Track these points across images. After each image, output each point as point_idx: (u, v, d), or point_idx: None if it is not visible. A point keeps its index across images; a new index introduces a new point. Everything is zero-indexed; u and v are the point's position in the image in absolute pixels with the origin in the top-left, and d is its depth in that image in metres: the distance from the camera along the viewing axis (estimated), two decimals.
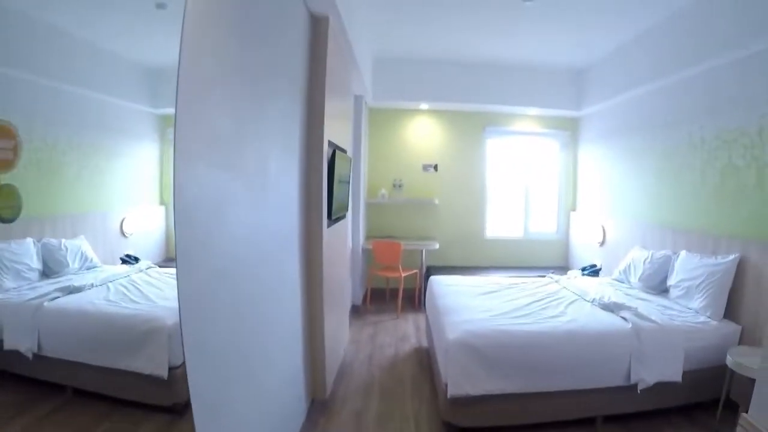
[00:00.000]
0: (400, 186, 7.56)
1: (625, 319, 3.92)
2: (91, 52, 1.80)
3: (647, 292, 4.95)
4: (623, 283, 5.45)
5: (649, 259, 5.15)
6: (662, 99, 5.49)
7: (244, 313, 2.30)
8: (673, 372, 3.69)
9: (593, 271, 6.44)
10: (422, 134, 7.80)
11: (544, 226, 8.29)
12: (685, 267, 4.60)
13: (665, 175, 5.42)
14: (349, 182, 4.72)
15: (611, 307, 4.21)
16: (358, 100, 6.67)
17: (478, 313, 4.00)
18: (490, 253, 8.02)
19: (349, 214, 6.26)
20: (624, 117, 6.40)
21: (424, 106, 7.52)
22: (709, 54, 4.48)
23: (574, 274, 6.49)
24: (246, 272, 2.33)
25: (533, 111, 7.67)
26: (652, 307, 4.36)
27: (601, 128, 7.13)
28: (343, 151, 4.59)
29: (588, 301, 4.51)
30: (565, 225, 8.20)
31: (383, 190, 7.43)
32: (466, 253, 7.97)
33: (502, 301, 4.49)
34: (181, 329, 1.65)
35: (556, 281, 5.43)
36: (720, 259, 4.26)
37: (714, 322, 4.03)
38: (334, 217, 3.98)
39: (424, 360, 5.00)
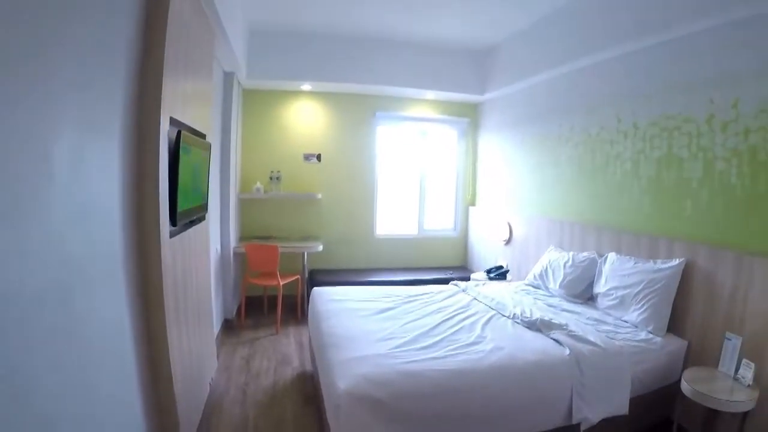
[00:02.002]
0: (277, 178, 6.49)
1: (558, 342, 3.24)
2: None
3: (571, 301, 4.38)
4: (540, 289, 4.84)
5: (570, 263, 4.57)
6: (584, 80, 4.93)
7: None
8: (619, 404, 3.11)
9: (500, 273, 5.82)
10: (304, 120, 6.80)
11: (440, 222, 7.61)
12: (617, 273, 4.05)
13: (586, 167, 4.88)
14: (208, 174, 3.68)
15: (538, 326, 3.54)
16: (228, 77, 5.59)
17: (375, 345, 3.11)
18: (381, 254, 7.22)
19: (216, 211, 5.24)
20: (536, 101, 5.80)
21: (306, 87, 6.51)
22: (643, 31, 3.91)
23: (480, 276, 5.86)
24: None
25: (430, 95, 6.91)
26: (582, 322, 3.77)
27: (507, 114, 6.52)
28: (201, 135, 3.57)
29: (508, 317, 3.82)
30: (463, 221, 7.57)
31: (258, 184, 6.35)
32: (354, 253, 7.11)
33: (404, 321, 3.65)
34: None
35: (464, 290, 4.70)
36: (661, 265, 3.72)
37: (658, 339, 3.49)
38: (183, 222, 2.95)
39: (309, 390, 4.08)
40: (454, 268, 7.30)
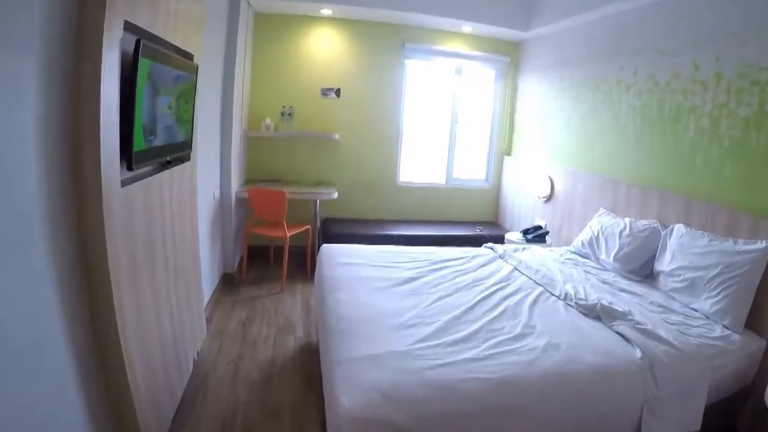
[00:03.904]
0: (290, 115, 5.69)
1: (624, 337, 2.56)
2: None
3: (628, 278, 3.66)
4: (588, 259, 4.10)
5: (627, 231, 3.81)
6: (655, 16, 4.04)
7: None
8: (693, 418, 2.43)
9: (538, 234, 5.06)
10: (323, 49, 5.93)
11: (471, 172, 6.80)
12: (686, 250, 3.28)
13: (651, 119, 4.06)
14: (193, 103, 2.92)
15: (598, 313, 2.82)
16: None
17: (393, 335, 2.40)
18: (403, 203, 6.48)
19: (216, 150, 4.53)
20: (593, 40, 4.87)
21: (326, 11, 5.60)
22: None
23: (515, 237, 5.14)
24: None
25: (467, 28, 5.95)
26: (646, 309, 3.05)
27: (554, 54, 5.60)
28: (186, 55, 2.81)
29: (559, 298, 3.10)
30: (496, 172, 6.76)
31: (268, 120, 5.58)
32: (374, 202, 6.37)
33: (432, 298, 2.94)
34: None
35: (501, 256, 3.97)
36: (743, 246, 2.95)
37: (736, 336, 2.75)
38: (149, 164, 2.24)
39: (314, 371, 3.41)
40: (484, 223, 6.57)
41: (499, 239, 5.51)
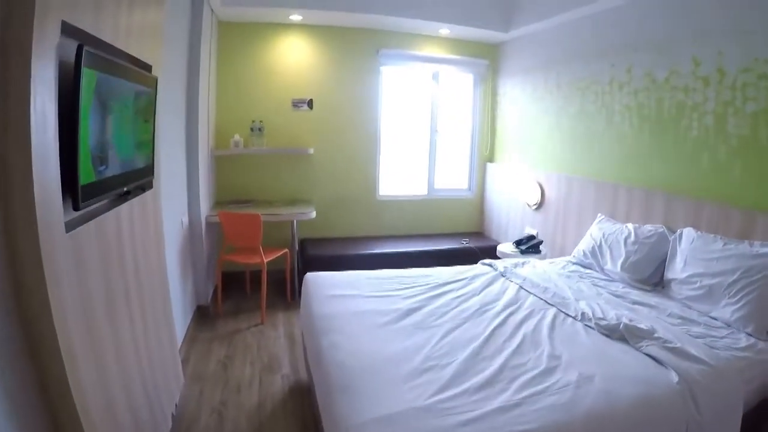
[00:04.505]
0: (260, 130, 5.30)
1: (654, 359, 2.32)
2: None
3: (638, 288, 3.43)
4: (592, 270, 3.86)
5: (632, 238, 3.56)
6: (649, 11, 3.86)
7: None
8: None
9: (533, 245, 4.74)
10: (293, 59, 5.56)
11: (453, 181, 6.49)
12: (699, 255, 3.11)
13: (649, 119, 3.90)
14: (153, 122, 2.53)
15: (622, 333, 2.57)
16: (196, 4, 4.34)
17: (406, 386, 2.04)
18: (384, 219, 6.13)
19: (182, 173, 4.13)
20: (579, 38, 4.66)
21: (296, 17, 5.24)
22: None
23: (508, 248, 4.82)
24: None
25: (444, 31, 5.68)
26: (666, 322, 2.85)
27: (537, 55, 5.36)
28: (143, 66, 2.43)
29: (576, 319, 2.83)
30: (479, 180, 6.46)
31: (237, 136, 5.18)
32: (354, 219, 6.01)
33: (440, 333, 2.58)
34: None
35: (503, 273, 3.65)
36: (762, 248, 2.82)
37: (761, 344, 2.56)
38: (102, 199, 1.85)
39: (306, 411, 3.06)
40: (470, 234, 6.25)
41: (487, 250, 5.24)
